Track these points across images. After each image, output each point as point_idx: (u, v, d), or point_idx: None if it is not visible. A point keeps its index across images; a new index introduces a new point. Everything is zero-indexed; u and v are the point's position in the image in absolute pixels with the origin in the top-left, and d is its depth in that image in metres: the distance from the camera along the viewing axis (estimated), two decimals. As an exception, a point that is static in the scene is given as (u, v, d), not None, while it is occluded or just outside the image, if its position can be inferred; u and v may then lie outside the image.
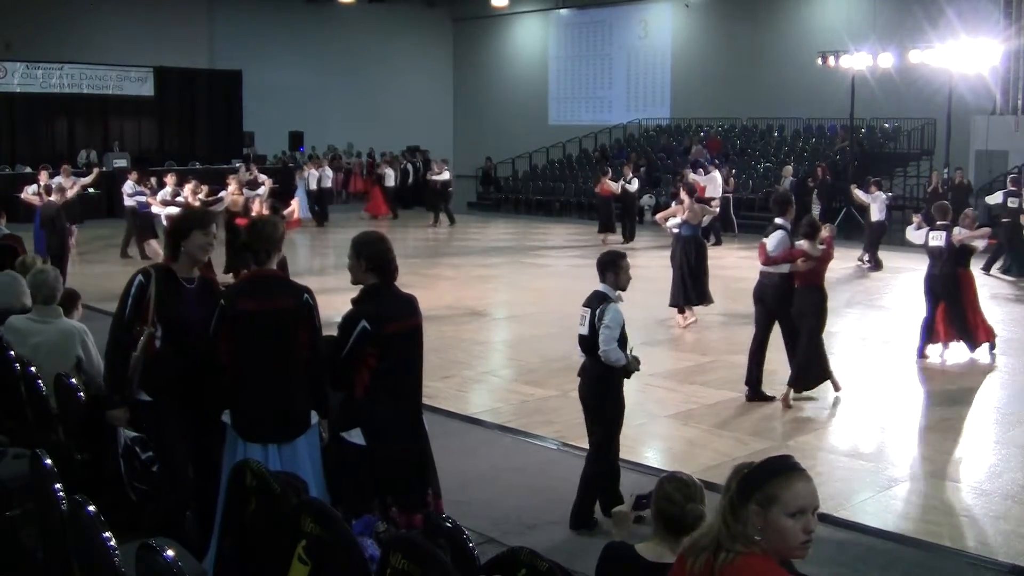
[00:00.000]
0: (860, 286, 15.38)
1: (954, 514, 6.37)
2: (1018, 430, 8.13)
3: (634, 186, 20.91)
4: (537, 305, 13.54)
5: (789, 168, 22.07)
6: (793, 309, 8.68)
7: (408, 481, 4.66)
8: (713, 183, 19.79)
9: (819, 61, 24.17)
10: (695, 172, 19.85)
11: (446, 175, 24.80)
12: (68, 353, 5.82)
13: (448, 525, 3.38)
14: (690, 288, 11.94)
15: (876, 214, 17.10)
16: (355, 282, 4.73)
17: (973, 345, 10.34)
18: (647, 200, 24.93)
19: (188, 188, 16.54)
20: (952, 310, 10.29)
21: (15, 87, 26.73)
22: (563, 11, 36.57)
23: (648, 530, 3.83)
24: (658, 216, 13.34)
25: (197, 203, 15.24)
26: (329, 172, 26.72)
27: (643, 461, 7.10)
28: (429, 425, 4.92)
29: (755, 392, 8.72)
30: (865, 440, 7.93)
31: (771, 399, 8.65)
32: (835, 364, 8.93)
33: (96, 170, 21.35)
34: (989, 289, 13.68)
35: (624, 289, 6.05)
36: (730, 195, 21.49)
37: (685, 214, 12.05)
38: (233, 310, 4.64)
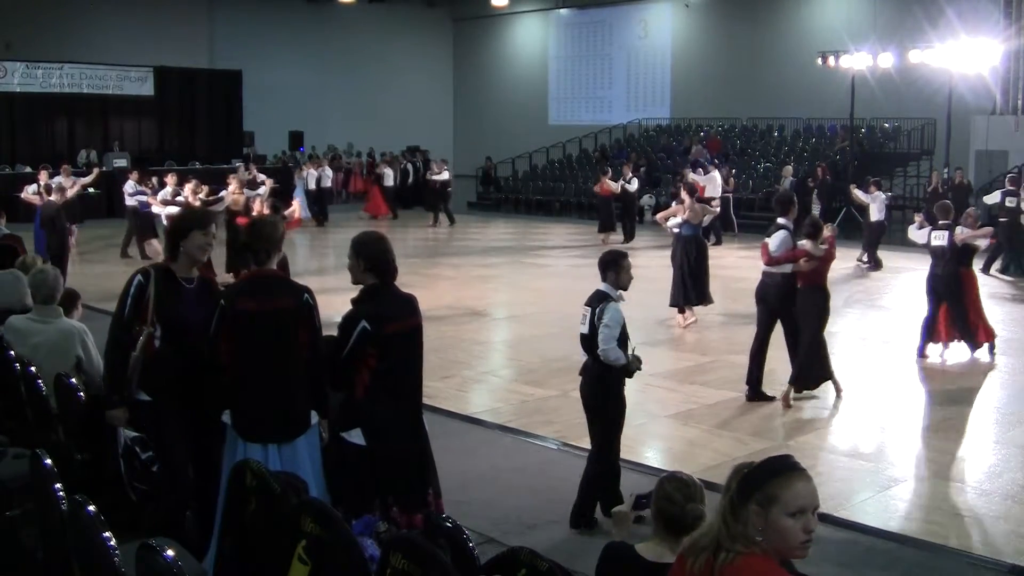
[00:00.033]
0: (860, 286, 15.38)
1: (954, 514, 6.37)
2: (1018, 430, 8.13)
3: (634, 186, 20.91)
4: (537, 305, 13.54)
5: (789, 168, 22.07)
6: (795, 309, 8.68)
7: (408, 481, 4.66)
8: (712, 183, 19.79)
9: (819, 61, 24.18)
10: (695, 172, 19.85)
11: (445, 175, 24.80)
12: (68, 353, 5.81)
13: (448, 525, 3.37)
14: (690, 288, 11.95)
15: (875, 214, 17.11)
16: (355, 282, 4.73)
17: (974, 346, 10.34)
18: (647, 200, 24.93)
19: (188, 188, 16.53)
20: (954, 310, 10.29)
21: (15, 87, 26.74)
22: (563, 11, 36.58)
23: (648, 530, 3.83)
24: (659, 216, 13.34)
25: (197, 203, 15.23)
26: (329, 172, 26.74)
27: (643, 461, 7.09)
28: (429, 425, 4.91)
29: (755, 392, 8.72)
30: (865, 440, 7.93)
31: (771, 399, 8.65)
32: (835, 364, 8.92)
33: (96, 170, 21.36)
34: (988, 289, 13.66)
35: (625, 289, 6.05)
36: (730, 195, 21.49)
37: (686, 214, 12.04)
38: (233, 310, 4.64)
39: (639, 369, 5.98)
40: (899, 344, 10.91)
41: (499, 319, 13.21)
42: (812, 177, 22.11)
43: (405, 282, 5.01)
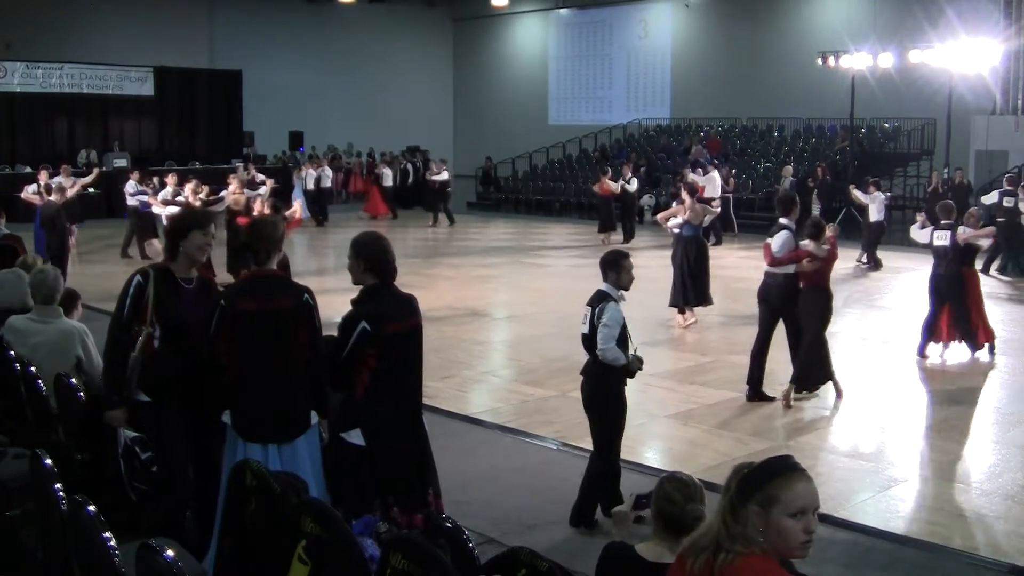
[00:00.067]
0: (860, 286, 15.39)
1: (955, 514, 6.37)
2: (1018, 430, 8.13)
3: (633, 186, 20.91)
4: (537, 305, 13.54)
5: (789, 168, 22.05)
6: (797, 309, 8.67)
7: (408, 481, 4.66)
8: (712, 183, 19.79)
9: (819, 61, 24.17)
10: (695, 172, 19.85)
11: (445, 175, 24.80)
12: (68, 353, 5.81)
13: (448, 525, 3.37)
14: (690, 288, 11.94)
15: (875, 214, 17.11)
16: (355, 283, 4.73)
17: (975, 346, 10.34)
18: (647, 200, 24.93)
19: (189, 188, 16.54)
20: (956, 310, 10.30)
21: (15, 87, 26.75)
22: (563, 11, 36.58)
23: (648, 530, 3.83)
24: (659, 216, 13.33)
25: (198, 203, 15.23)
26: (329, 172, 26.74)
27: (643, 461, 7.09)
28: (429, 425, 4.91)
29: (755, 392, 8.72)
30: (865, 440, 7.93)
31: (771, 399, 8.64)
32: (835, 364, 8.91)
33: (96, 170, 21.37)
34: (987, 289, 13.63)
35: (627, 289, 6.04)
36: (730, 195, 21.49)
37: (686, 214, 12.03)
38: (233, 310, 4.64)
39: (640, 369, 5.98)
40: (899, 344, 10.91)
41: (499, 319, 13.20)
42: (812, 177, 22.10)
43: (405, 282, 5.01)
